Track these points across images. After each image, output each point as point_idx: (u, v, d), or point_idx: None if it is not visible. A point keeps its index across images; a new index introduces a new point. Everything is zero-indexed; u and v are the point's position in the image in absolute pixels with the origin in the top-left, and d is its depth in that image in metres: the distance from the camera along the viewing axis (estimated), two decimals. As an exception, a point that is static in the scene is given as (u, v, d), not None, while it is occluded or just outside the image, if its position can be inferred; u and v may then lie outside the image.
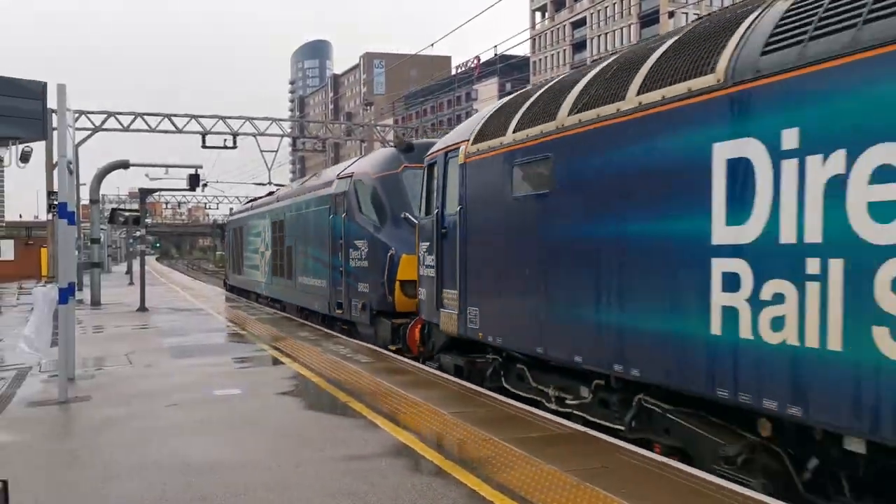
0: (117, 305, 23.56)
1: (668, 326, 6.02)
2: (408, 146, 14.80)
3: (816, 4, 5.06)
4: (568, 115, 7.44)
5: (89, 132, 33.43)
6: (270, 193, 26.74)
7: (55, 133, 10.84)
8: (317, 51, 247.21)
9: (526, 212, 8.13)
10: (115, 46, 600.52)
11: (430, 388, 9.18)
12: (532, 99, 8.62)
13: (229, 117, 36.82)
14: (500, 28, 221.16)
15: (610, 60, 7.61)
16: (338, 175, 16.37)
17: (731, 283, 5.41)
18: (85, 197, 29.57)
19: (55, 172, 11.91)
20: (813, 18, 4.99)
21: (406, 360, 11.65)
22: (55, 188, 13.70)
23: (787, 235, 4.98)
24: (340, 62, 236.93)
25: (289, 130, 41.11)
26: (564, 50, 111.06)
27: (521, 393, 8.85)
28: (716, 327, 5.54)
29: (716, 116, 5.58)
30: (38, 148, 28.51)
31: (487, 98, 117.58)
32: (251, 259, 25.82)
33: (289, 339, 14.44)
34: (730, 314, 5.41)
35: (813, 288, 4.80)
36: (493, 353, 9.61)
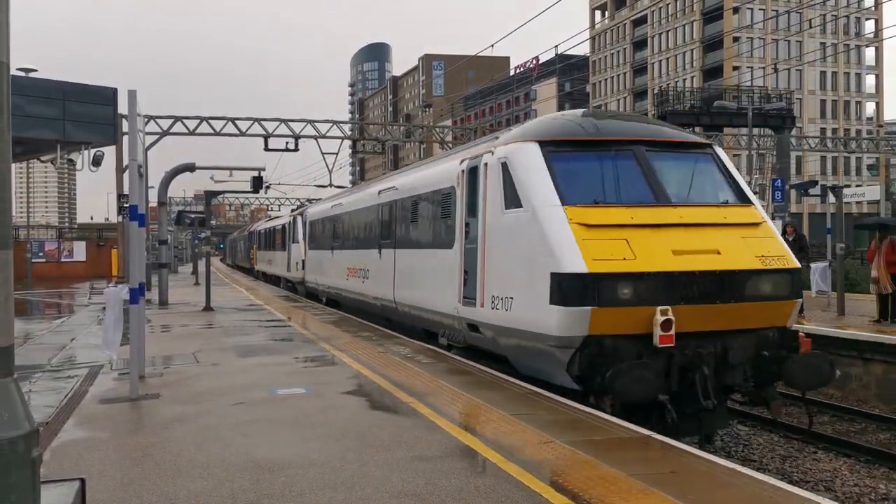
0: (184, 305, 24.10)
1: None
2: None
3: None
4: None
5: (157, 136, 34.34)
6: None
7: (125, 137, 11.12)
8: (376, 53, 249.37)
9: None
10: (174, 50, 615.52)
11: (493, 390, 9.15)
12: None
13: (291, 120, 37.41)
14: (559, 28, 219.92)
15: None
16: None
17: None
18: (153, 199, 30.34)
19: (125, 176, 12.21)
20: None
21: (467, 361, 11.52)
22: (126, 191, 14.03)
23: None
24: (399, 64, 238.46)
25: (349, 132, 41.59)
26: (625, 49, 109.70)
27: None
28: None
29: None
30: (109, 152, 29.49)
31: (546, 98, 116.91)
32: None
33: (350, 338, 14.56)
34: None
35: None
36: None
